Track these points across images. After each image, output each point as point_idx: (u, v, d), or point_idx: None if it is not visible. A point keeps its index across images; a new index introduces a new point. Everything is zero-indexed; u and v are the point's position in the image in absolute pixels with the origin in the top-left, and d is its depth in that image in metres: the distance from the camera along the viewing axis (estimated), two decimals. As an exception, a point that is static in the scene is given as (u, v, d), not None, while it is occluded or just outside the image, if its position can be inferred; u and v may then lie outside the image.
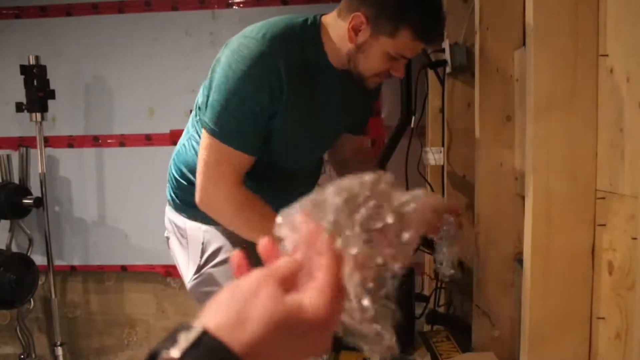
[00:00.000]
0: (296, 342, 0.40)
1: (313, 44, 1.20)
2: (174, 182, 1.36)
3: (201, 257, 1.29)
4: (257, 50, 1.11)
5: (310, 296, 0.41)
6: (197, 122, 1.30)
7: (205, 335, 0.36)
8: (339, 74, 1.23)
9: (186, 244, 1.33)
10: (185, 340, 0.35)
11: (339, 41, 1.18)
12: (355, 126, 1.44)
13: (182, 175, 1.33)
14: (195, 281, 1.30)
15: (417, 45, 1.15)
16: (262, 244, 0.47)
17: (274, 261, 0.45)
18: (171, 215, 1.38)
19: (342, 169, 1.50)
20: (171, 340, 0.35)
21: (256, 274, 0.41)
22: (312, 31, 1.20)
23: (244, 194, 1.18)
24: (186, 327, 0.36)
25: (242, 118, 1.14)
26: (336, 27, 1.19)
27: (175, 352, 0.35)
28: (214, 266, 1.28)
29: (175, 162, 1.38)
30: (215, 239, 1.29)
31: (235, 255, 0.45)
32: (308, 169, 1.38)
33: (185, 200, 1.32)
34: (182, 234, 1.34)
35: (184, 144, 1.35)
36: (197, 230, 1.30)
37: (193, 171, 1.27)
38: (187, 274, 1.32)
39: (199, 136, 1.26)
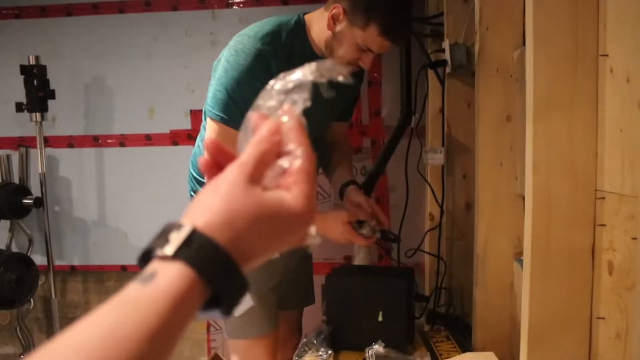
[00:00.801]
0: (279, 235, 0.42)
1: (299, 36, 1.35)
2: (194, 180, 1.51)
3: None
4: (250, 46, 1.28)
5: (291, 191, 0.42)
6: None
7: (195, 233, 0.37)
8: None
9: None
10: (177, 239, 0.37)
11: (321, 31, 1.34)
12: (343, 112, 1.60)
13: (201, 174, 1.46)
14: None
15: (383, 42, 1.29)
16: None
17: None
18: None
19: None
20: (163, 239, 0.37)
21: (230, 173, 0.42)
22: (298, 26, 1.36)
23: None
24: (176, 226, 0.38)
25: (242, 103, 1.27)
26: (321, 18, 1.34)
27: (169, 250, 0.36)
28: None
29: (192, 162, 1.53)
30: None
31: (203, 160, 0.46)
32: None
33: None
34: None
35: (198, 145, 1.52)
36: None
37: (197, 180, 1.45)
38: None
39: None
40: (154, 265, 0.36)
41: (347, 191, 1.51)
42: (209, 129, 1.33)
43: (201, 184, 1.48)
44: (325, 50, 1.34)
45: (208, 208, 0.39)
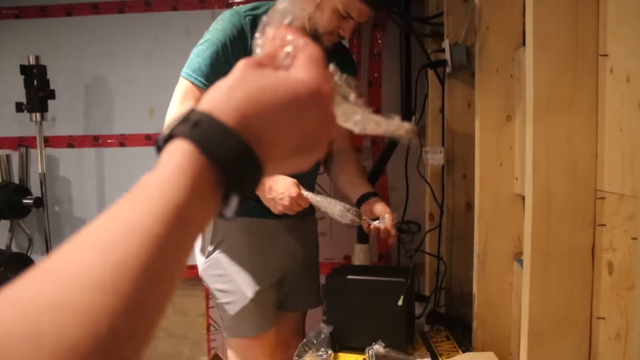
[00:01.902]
0: (293, 115, 0.39)
1: None
2: None
3: (212, 244, 1.48)
4: (229, 14, 1.38)
5: (296, 68, 0.41)
6: None
7: (192, 112, 0.36)
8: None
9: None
10: (175, 120, 0.36)
11: (305, 5, 1.37)
12: None
13: None
14: (205, 265, 1.50)
15: (362, 7, 1.33)
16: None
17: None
18: None
19: (330, 166, 1.66)
20: (167, 127, 0.36)
21: (237, 65, 0.40)
22: None
23: None
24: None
25: (207, 57, 1.36)
26: None
27: (166, 130, 0.36)
28: (221, 252, 1.48)
29: None
30: (222, 228, 1.47)
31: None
32: None
33: None
34: None
35: None
36: None
37: None
38: (200, 259, 1.52)
39: None
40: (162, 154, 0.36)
41: (372, 200, 1.47)
42: (177, 87, 1.40)
43: None
44: (307, 22, 1.39)
45: (212, 94, 0.38)
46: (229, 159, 0.35)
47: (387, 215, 1.39)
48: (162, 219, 0.31)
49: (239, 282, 1.46)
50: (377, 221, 1.39)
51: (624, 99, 0.80)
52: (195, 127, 0.35)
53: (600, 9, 0.86)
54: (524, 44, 1.15)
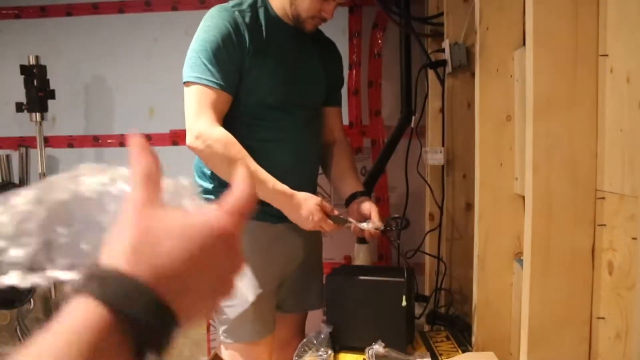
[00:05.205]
0: (202, 259, 0.37)
1: (262, 6, 1.44)
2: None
3: None
4: (215, 11, 1.39)
5: (208, 210, 0.40)
6: None
7: (97, 266, 0.35)
8: (292, 29, 1.46)
9: None
10: (81, 275, 0.35)
11: None
12: (329, 93, 1.60)
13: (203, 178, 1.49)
14: None
15: None
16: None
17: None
18: None
19: (325, 162, 1.65)
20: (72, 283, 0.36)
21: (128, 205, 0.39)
22: None
23: (226, 133, 1.34)
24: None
25: (208, 59, 1.34)
26: None
27: (72, 287, 0.35)
28: None
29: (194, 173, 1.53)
30: None
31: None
32: (304, 127, 1.51)
33: None
34: None
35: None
36: None
37: (203, 173, 1.48)
38: None
39: None
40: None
41: (360, 200, 1.50)
42: (186, 96, 1.37)
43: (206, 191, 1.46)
44: (289, 8, 1.42)
45: (114, 245, 0.36)
46: (142, 317, 0.33)
47: (373, 215, 1.43)
48: None
49: (240, 285, 1.40)
50: (365, 223, 1.42)
51: (624, 99, 0.80)
52: (103, 283, 0.34)
53: (600, 9, 0.86)
54: (524, 44, 1.15)
